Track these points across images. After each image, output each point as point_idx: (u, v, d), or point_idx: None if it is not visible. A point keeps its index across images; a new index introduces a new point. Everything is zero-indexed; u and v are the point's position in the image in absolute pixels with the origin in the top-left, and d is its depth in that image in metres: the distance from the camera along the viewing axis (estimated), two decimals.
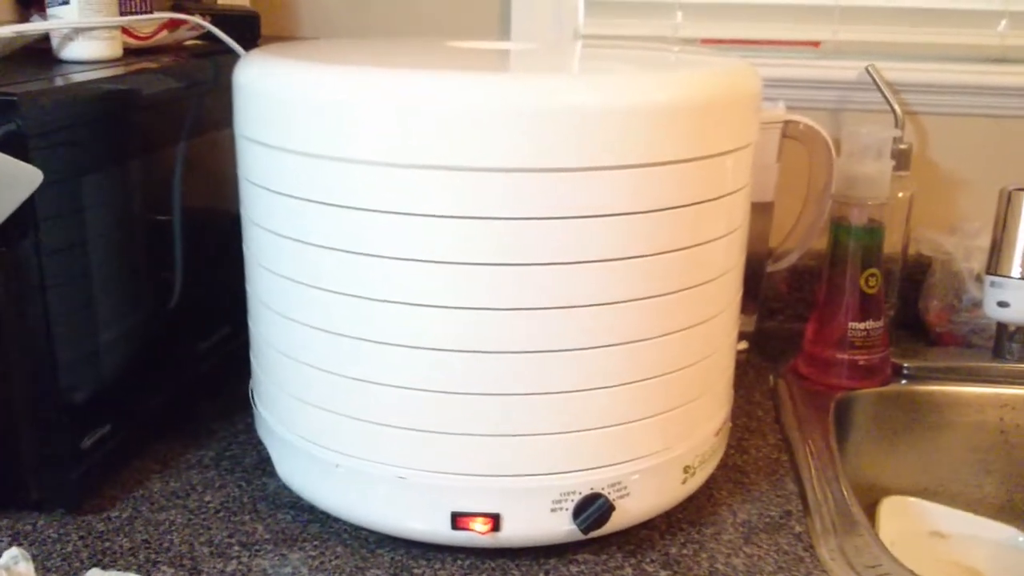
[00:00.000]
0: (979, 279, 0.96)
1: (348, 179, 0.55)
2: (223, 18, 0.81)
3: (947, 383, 0.91)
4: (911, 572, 0.62)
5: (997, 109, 1.01)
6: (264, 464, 0.72)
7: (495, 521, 0.59)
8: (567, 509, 0.60)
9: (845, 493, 0.71)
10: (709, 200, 0.59)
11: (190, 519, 0.66)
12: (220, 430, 0.78)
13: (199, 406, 0.81)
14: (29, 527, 0.64)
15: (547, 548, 0.63)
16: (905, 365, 0.92)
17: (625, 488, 0.61)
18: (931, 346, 0.99)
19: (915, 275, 1.02)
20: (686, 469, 0.65)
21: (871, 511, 0.88)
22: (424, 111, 0.53)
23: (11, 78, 0.60)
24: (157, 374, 0.75)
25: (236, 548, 0.62)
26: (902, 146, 0.97)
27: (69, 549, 0.62)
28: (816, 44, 1.03)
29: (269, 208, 0.60)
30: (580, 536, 0.61)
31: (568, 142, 0.53)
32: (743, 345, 0.97)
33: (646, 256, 0.57)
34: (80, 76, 0.64)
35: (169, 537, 0.63)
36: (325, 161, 0.55)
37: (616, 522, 0.61)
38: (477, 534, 0.60)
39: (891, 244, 0.96)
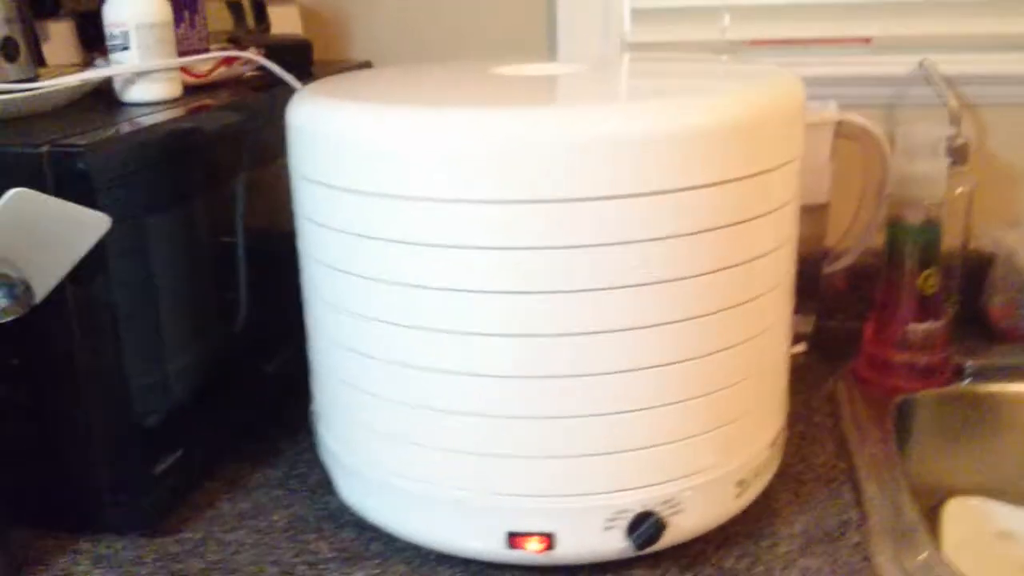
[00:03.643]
0: None
1: (402, 215, 0.57)
2: (277, 48, 0.83)
3: (1010, 382, 0.90)
4: None
5: None
6: (327, 483, 0.75)
7: (550, 540, 0.61)
8: (620, 527, 0.61)
9: (905, 500, 0.71)
10: (756, 218, 0.60)
11: (259, 539, 0.68)
12: (287, 449, 0.81)
13: (267, 425, 0.84)
14: (108, 550, 0.67)
15: (602, 564, 0.64)
16: (967, 364, 0.91)
17: (678, 505, 0.62)
18: (994, 342, 0.98)
19: (977, 271, 1.00)
20: (740, 483, 0.65)
21: (935, 513, 0.87)
22: (474, 149, 0.54)
23: (77, 127, 0.63)
24: (225, 397, 0.78)
25: (302, 568, 0.65)
26: (959, 141, 0.95)
27: (146, 571, 0.65)
28: (867, 40, 1.01)
29: (325, 243, 0.62)
30: (634, 552, 0.62)
31: (614, 170, 0.54)
32: (802, 347, 0.97)
33: (695, 276, 0.58)
34: (142, 120, 0.67)
35: (239, 558, 0.66)
36: (379, 199, 0.57)
37: (669, 538, 0.62)
38: (532, 553, 0.61)
39: (951, 240, 0.95)
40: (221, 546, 0.68)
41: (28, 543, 0.68)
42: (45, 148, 0.59)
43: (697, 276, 0.58)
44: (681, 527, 0.63)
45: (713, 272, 0.59)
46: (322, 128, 0.60)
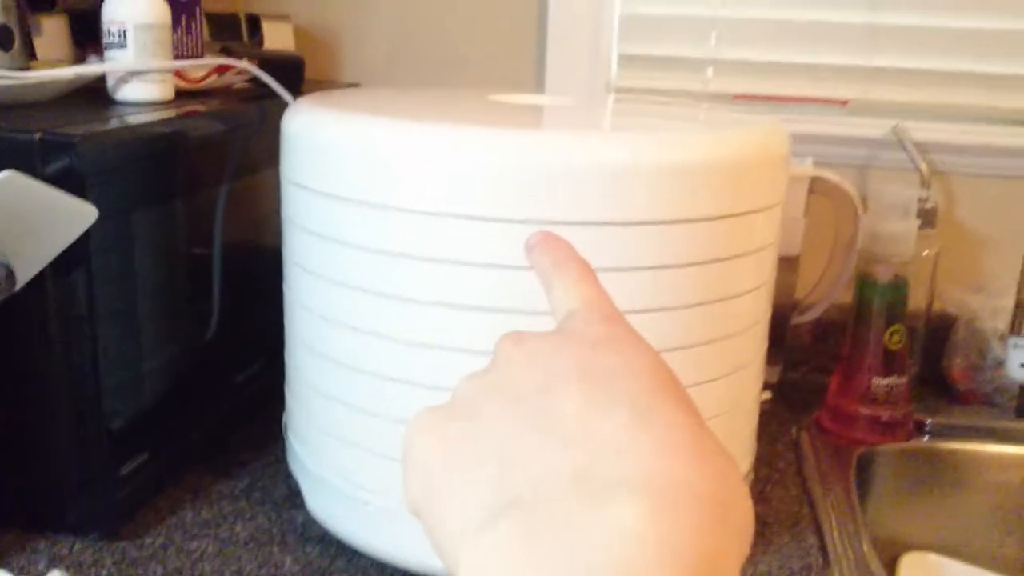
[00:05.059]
0: (1003, 339, 0.96)
1: (391, 226, 0.57)
2: (269, 62, 0.84)
3: (969, 441, 0.92)
4: None
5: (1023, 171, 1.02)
6: (293, 497, 0.74)
7: None
8: None
9: (865, 548, 0.72)
10: (738, 256, 0.61)
11: (221, 549, 0.67)
12: (251, 461, 0.80)
13: (232, 437, 0.83)
14: (65, 550, 0.65)
15: None
16: (928, 421, 0.93)
17: None
18: (954, 403, 1.00)
19: (939, 332, 1.02)
20: None
21: (892, 566, 0.88)
22: (467, 165, 0.55)
23: (70, 119, 0.63)
24: (194, 404, 0.77)
25: None
26: (928, 205, 0.98)
27: (104, 574, 0.63)
28: (845, 102, 1.04)
29: (311, 250, 0.62)
30: None
31: (602, 197, 0.55)
32: (767, 395, 0.98)
33: (675, 309, 0.59)
34: (134, 118, 0.67)
35: (200, 566, 0.65)
36: (369, 208, 0.57)
37: None
38: None
39: (916, 300, 0.97)
40: (182, 554, 0.66)
41: None
42: (38, 136, 0.58)
43: (680, 308, 0.59)
44: None
45: (696, 306, 0.60)
46: (318, 136, 0.60)
